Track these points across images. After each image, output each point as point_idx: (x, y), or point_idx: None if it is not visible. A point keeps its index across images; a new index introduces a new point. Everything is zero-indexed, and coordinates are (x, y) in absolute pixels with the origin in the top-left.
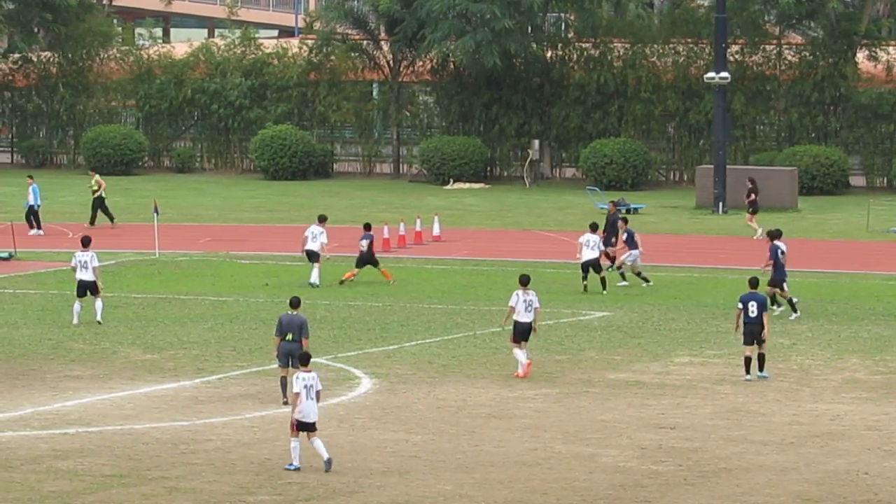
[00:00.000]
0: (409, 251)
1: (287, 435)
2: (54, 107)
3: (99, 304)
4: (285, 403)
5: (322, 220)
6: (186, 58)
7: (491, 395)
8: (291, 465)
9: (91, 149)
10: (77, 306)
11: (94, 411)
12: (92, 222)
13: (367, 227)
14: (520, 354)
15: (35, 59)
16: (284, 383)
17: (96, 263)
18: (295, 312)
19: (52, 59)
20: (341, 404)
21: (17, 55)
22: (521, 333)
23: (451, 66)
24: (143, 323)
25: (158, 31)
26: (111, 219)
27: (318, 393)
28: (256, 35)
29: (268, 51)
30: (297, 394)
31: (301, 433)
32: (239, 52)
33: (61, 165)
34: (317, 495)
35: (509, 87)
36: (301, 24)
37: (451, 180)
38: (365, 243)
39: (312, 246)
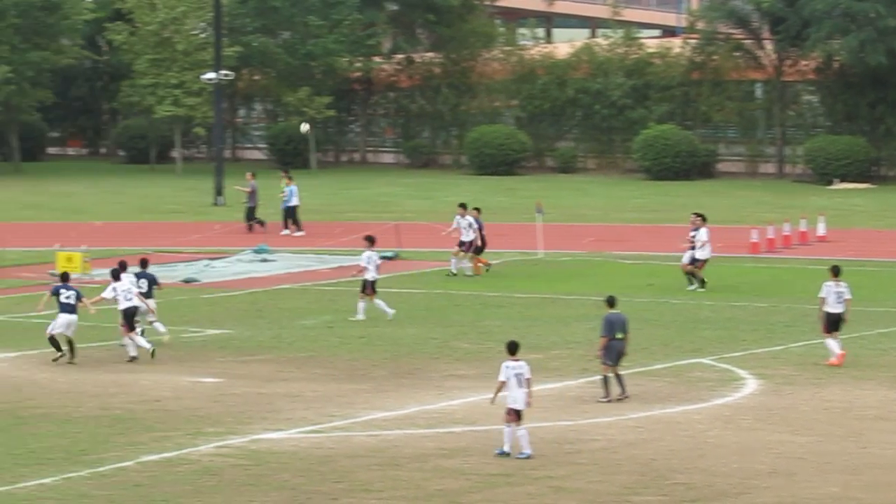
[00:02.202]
0: (794, 251)
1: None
2: (437, 107)
3: (380, 302)
4: (609, 400)
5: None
6: (568, 58)
7: (878, 396)
8: (500, 449)
9: (474, 149)
10: (363, 304)
11: (479, 410)
12: (295, 225)
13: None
14: (832, 344)
15: (418, 59)
16: (607, 382)
17: (379, 262)
18: (617, 311)
19: (434, 60)
20: (727, 405)
21: (400, 56)
22: (832, 324)
23: (836, 64)
24: (528, 322)
25: (540, 32)
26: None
27: (527, 381)
28: (638, 35)
29: (650, 50)
30: (505, 381)
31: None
32: (621, 51)
33: (444, 166)
34: (703, 496)
35: (895, 86)
36: (683, 23)
37: (836, 180)
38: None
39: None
